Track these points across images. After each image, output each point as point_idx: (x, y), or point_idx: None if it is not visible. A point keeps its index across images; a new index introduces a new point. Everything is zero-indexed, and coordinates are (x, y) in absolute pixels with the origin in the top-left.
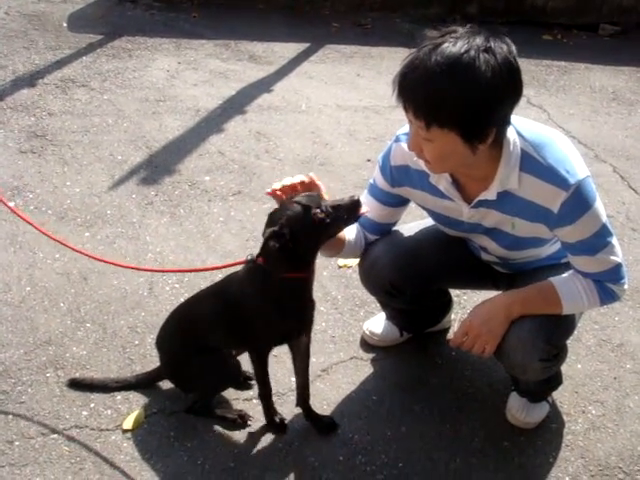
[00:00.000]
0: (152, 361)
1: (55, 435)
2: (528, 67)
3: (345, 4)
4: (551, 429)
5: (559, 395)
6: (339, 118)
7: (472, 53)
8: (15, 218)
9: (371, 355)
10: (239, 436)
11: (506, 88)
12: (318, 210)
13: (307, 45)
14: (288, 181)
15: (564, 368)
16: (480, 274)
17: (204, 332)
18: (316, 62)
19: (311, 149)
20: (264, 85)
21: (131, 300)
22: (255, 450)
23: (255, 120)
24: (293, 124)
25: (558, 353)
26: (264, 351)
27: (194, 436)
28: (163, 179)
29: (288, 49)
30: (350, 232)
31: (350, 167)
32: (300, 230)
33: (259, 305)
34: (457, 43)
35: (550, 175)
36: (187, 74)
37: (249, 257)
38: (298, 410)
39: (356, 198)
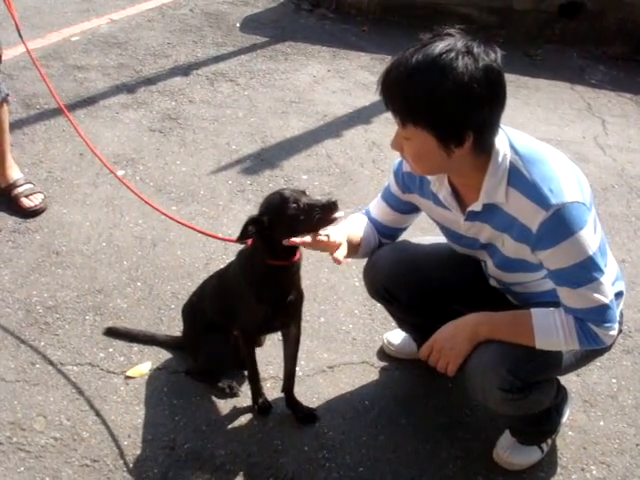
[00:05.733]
0: (177, 325)
1: (70, 367)
2: None
3: (521, 34)
4: (536, 477)
5: (563, 446)
6: None
7: (452, 54)
8: (119, 185)
9: (383, 364)
10: (223, 406)
11: (482, 94)
12: (294, 205)
13: None
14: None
15: (582, 421)
16: (492, 301)
17: (207, 309)
18: None
19: None
20: None
21: (185, 270)
22: (231, 421)
23: (376, 131)
24: None
25: (524, 388)
26: (249, 334)
27: (182, 395)
28: (263, 171)
29: None
30: (368, 234)
31: None
32: (275, 220)
33: (241, 286)
34: (441, 44)
35: (532, 192)
36: (332, 82)
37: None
38: None
39: (333, 200)
